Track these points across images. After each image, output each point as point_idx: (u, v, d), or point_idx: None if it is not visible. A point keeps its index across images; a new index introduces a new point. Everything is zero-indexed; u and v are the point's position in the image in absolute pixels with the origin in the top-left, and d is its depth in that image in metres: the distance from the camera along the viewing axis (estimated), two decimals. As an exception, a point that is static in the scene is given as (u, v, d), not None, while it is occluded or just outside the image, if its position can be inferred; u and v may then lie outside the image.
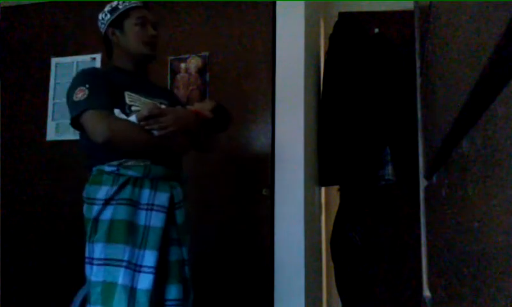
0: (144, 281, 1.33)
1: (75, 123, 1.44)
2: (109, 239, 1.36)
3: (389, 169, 2.42)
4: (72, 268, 2.25)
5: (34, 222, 2.41)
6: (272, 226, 2.10)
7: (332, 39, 2.50)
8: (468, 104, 0.50)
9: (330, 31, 2.56)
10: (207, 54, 2.32)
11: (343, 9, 2.74)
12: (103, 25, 1.59)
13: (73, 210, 2.34)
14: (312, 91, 2.35)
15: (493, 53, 0.37)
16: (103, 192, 1.39)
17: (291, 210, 2.07)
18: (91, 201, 1.41)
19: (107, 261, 1.35)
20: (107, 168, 1.42)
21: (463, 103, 0.52)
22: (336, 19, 2.61)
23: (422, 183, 1.35)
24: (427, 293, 1.16)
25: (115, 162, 1.41)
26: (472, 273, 0.49)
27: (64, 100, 1.49)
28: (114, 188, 1.38)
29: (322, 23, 2.89)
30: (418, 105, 1.49)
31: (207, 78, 2.31)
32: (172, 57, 2.35)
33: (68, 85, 1.49)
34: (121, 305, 1.30)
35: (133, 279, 1.33)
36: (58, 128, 2.44)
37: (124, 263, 1.33)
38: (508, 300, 0.34)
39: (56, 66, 2.50)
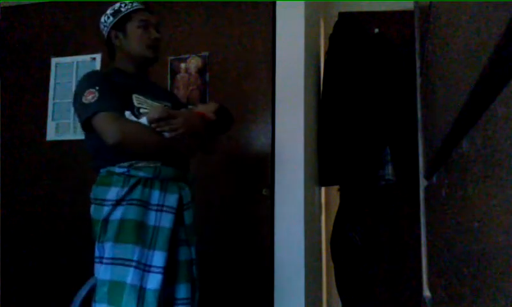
0: (153, 281, 1.34)
1: (87, 125, 1.44)
2: (119, 239, 1.36)
3: (389, 169, 2.42)
4: (72, 268, 2.26)
5: (34, 222, 2.40)
6: (272, 226, 2.10)
7: (332, 39, 2.50)
8: (468, 104, 0.50)
9: (330, 31, 2.55)
10: (207, 54, 2.32)
11: (343, 9, 2.74)
12: (105, 28, 1.59)
13: (73, 210, 2.36)
14: (312, 91, 2.35)
15: (493, 53, 0.37)
16: (113, 193, 1.39)
17: (291, 210, 2.07)
18: (100, 202, 1.41)
19: (117, 261, 1.35)
20: (117, 169, 1.42)
21: (463, 103, 0.52)
22: (336, 19, 2.61)
23: (422, 183, 1.35)
24: (427, 293, 1.16)
25: (125, 164, 1.42)
26: (472, 273, 0.49)
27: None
28: (125, 189, 1.38)
29: (322, 23, 2.88)
30: (418, 105, 1.49)
31: (207, 79, 2.31)
32: (172, 57, 2.35)
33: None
34: (130, 304, 1.30)
35: (142, 279, 1.33)
36: (58, 128, 2.44)
37: (134, 263, 1.33)
38: (508, 300, 0.34)
39: (56, 66, 2.50)
